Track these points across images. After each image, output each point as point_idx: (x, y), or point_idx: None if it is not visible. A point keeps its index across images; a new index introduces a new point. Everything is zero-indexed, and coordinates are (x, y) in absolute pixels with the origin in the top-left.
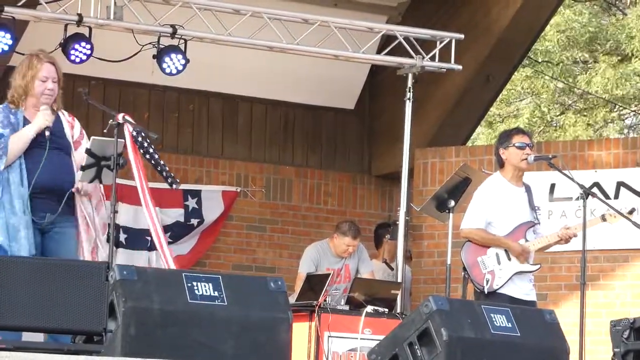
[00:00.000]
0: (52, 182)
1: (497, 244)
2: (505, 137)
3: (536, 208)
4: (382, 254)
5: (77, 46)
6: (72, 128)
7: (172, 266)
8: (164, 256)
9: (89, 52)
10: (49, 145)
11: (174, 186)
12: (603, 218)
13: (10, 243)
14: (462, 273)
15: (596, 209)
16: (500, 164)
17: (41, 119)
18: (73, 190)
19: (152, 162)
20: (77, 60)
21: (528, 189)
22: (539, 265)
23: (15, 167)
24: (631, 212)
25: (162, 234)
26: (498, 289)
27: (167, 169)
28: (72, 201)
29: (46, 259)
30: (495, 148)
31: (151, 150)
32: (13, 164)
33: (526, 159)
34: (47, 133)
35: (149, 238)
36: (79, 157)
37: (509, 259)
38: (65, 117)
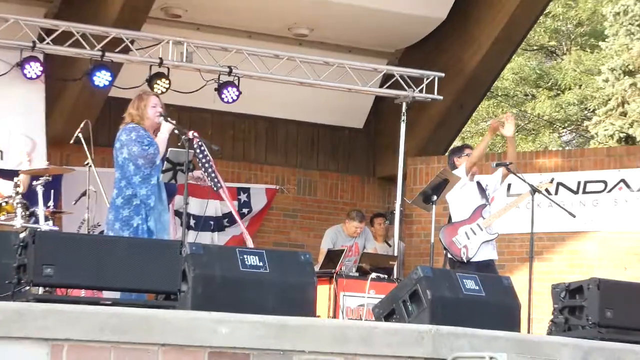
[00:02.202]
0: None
1: (484, 143)
2: (458, 150)
3: (485, 188)
4: (377, 234)
5: (159, 81)
6: None
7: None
8: (243, 228)
9: (167, 85)
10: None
11: (215, 189)
12: (532, 192)
13: (157, 226)
14: (444, 251)
15: (541, 202)
16: (453, 168)
17: (168, 125)
18: None
19: (203, 169)
20: (159, 91)
21: (479, 183)
22: (497, 234)
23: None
24: (551, 181)
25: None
26: (473, 256)
27: (214, 175)
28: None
29: (137, 238)
30: (449, 157)
31: (204, 161)
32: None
33: None
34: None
35: (212, 223)
36: None
37: (475, 233)
38: None
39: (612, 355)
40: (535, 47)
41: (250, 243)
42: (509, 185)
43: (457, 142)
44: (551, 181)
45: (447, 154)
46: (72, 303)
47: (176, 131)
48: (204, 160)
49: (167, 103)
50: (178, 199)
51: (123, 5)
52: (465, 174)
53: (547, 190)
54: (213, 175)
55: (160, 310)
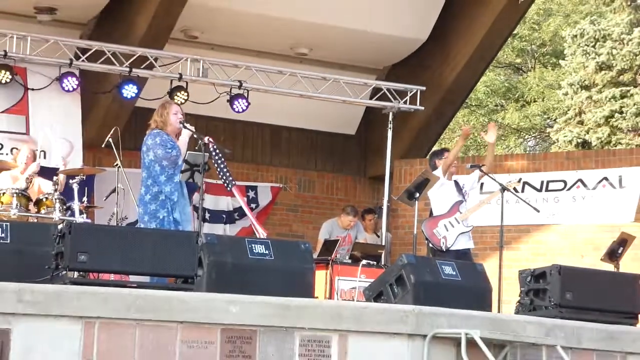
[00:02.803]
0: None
1: (457, 148)
2: (438, 153)
3: (462, 186)
4: (367, 227)
5: (178, 93)
6: None
7: (259, 227)
8: (253, 221)
9: (186, 97)
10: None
11: (228, 188)
12: (502, 190)
13: (182, 217)
14: (426, 241)
15: (509, 199)
16: (434, 169)
17: (187, 131)
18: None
19: (218, 169)
20: (179, 102)
21: (456, 182)
22: (472, 226)
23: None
24: (519, 180)
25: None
26: (451, 246)
27: (227, 175)
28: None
29: (159, 229)
30: (430, 159)
31: (219, 162)
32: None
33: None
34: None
35: (224, 216)
36: None
37: (453, 226)
38: None
39: (571, 332)
40: (504, 64)
41: (261, 232)
42: (482, 184)
43: (436, 147)
44: (518, 181)
45: (428, 156)
46: (102, 286)
47: (194, 136)
48: (219, 162)
49: (186, 112)
50: (196, 195)
51: (148, 28)
52: (442, 175)
53: (514, 188)
54: (228, 174)
55: (180, 292)
